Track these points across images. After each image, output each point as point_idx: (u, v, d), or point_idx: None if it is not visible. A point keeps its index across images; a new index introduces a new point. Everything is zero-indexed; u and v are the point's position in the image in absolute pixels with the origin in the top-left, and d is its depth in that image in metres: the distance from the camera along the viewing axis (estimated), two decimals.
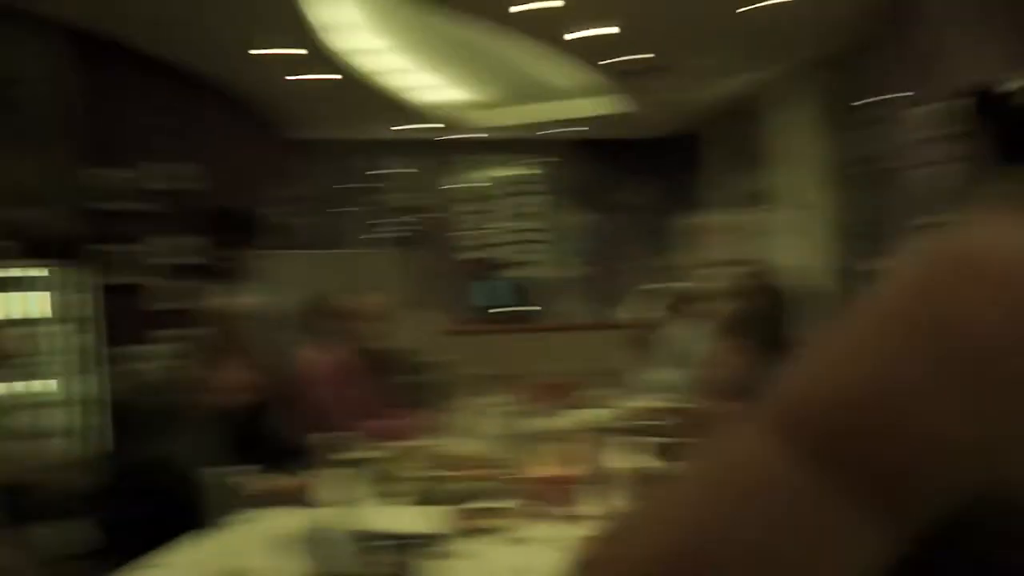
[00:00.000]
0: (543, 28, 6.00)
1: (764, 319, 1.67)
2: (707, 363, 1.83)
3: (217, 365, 2.28)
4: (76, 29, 5.58)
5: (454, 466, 2.40)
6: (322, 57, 6.45)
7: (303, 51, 6.33)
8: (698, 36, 6.25)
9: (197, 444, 2.16)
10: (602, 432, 2.73)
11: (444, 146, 9.90)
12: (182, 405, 2.24)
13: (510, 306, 8.97)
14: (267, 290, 5.51)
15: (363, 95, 7.60)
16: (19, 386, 4.21)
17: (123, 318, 5.80)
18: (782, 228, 6.90)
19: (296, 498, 2.08)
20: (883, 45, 6.06)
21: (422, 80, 7.92)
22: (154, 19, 5.68)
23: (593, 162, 10.12)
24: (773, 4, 5.68)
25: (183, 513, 2.02)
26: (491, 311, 8.46)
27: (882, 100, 6.34)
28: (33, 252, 4.29)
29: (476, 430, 2.78)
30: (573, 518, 1.69)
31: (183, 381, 2.34)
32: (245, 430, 2.38)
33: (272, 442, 2.53)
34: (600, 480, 1.86)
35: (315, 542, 1.34)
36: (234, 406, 2.36)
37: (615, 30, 6.00)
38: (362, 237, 9.85)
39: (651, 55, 6.65)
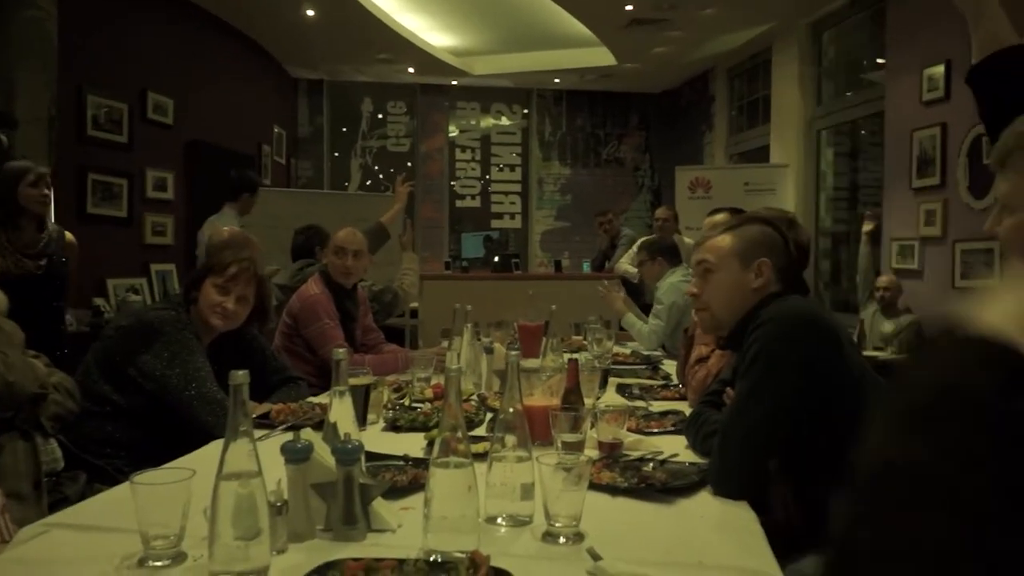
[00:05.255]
0: None
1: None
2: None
3: (223, 286, 2.30)
4: None
5: (439, 398, 2.46)
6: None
7: None
8: None
9: (191, 365, 2.19)
10: (585, 368, 2.78)
11: (439, 91, 9.80)
12: (179, 323, 2.26)
13: (496, 254, 9.01)
14: (264, 228, 5.53)
15: (363, 37, 7.50)
16: None
17: (107, 251, 5.79)
18: (776, 183, 6.90)
19: (297, 421, 2.12)
20: (881, 11, 6.03)
21: (420, 24, 7.82)
22: None
23: (584, 113, 10.06)
24: None
25: (173, 436, 2.06)
26: (476, 261, 8.50)
27: (878, 65, 6.33)
28: None
29: (462, 365, 2.82)
30: (552, 445, 1.74)
31: (181, 299, 2.35)
32: (241, 354, 2.41)
33: (270, 368, 2.57)
34: (580, 407, 1.90)
35: (324, 444, 1.38)
36: (233, 331, 2.38)
37: None
38: (359, 181, 9.82)
39: (650, 8, 6.57)
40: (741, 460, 1.49)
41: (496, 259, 6.96)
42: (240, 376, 1.14)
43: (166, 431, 2.12)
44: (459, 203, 10.10)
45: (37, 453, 1.86)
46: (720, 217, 3.18)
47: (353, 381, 2.12)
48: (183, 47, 6.61)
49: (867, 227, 5.83)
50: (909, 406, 0.57)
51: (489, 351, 2.78)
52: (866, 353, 5.09)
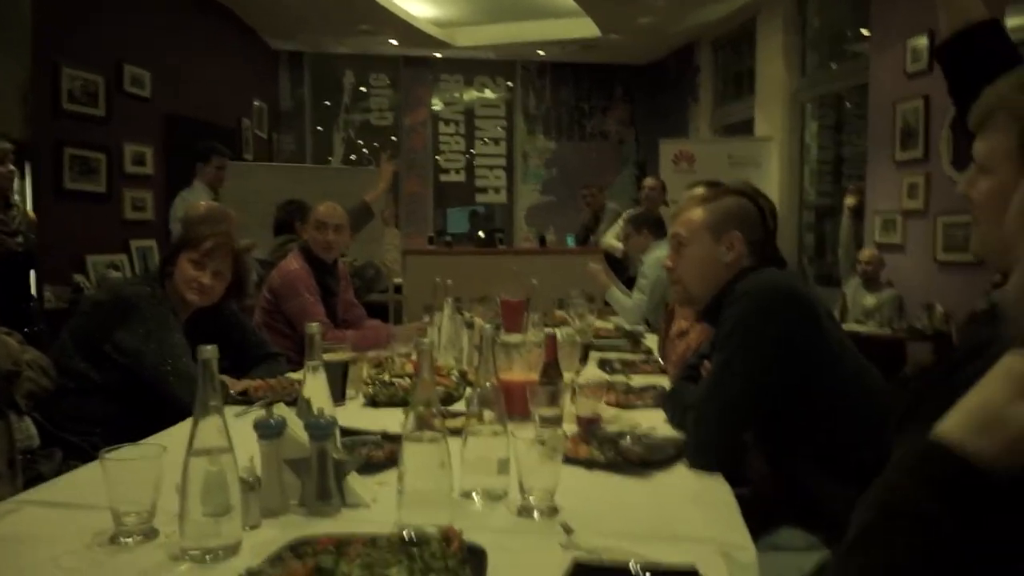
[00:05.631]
0: None
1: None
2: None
3: (198, 260, 2.27)
4: None
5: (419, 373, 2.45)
6: None
7: None
8: None
9: (167, 340, 2.17)
10: (565, 343, 2.78)
11: (422, 64, 9.70)
12: (155, 298, 2.23)
13: (481, 229, 9.00)
14: (245, 203, 5.48)
15: (343, 6, 7.39)
16: None
17: (86, 227, 5.73)
18: (760, 156, 6.90)
19: (275, 397, 2.11)
20: None
21: None
22: None
23: (569, 86, 9.99)
24: None
25: (149, 411, 2.04)
26: (462, 236, 8.48)
27: (863, 36, 6.31)
28: None
29: (443, 340, 2.81)
30: (531, 420, 1.73)
31: (156, 273, 2.32)
32: (219, 329, 2.39)
33: (249, 343, 2.55)
34: (558, 381, 1.90)
35: (297, 420, 1.37)
36: (211, 306, 2.36)
37: None
38: (341, 155, 9.75)
39: None
40: (717, 433, 1.50)
41: (480, 234, 6.93)
42: (209, 351, 1.13)
43: (142, 407, 2.10)
44: (443, 177, 10.04)
45: (11, 431, 1.84)
46: (698, 190, 3.17)
47: (330, 357, 2.11)
48: (160, 18, 6.49)
49: (850, 201, 5.85)
50: (857, 528, 0.66)
51: (470, 326, 2.77)
52: (847, 327, 5.13)
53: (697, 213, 1.74)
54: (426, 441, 1.21)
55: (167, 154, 6.48)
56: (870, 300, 5.28)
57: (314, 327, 1.57)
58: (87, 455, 1.94)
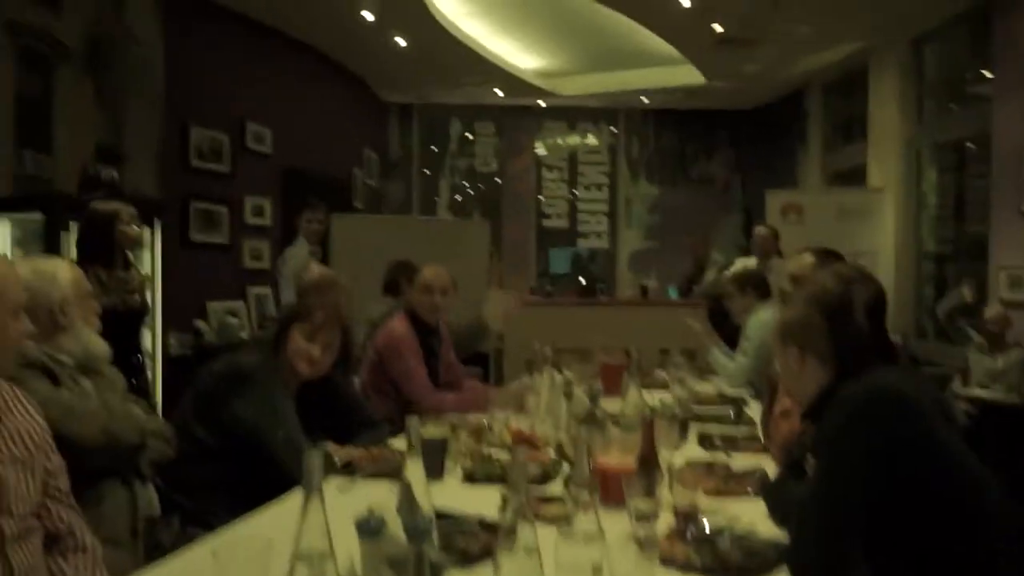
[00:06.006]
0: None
1: (827, 330, 1.62)
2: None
3: (309, 333, 2.37)
4: None
5: (518, 446, 2.47)
6: (416, 23, 6.49)
7: (399, 16, 6.39)
8: (792, 3, 6.01)
9: (280, 410, 2.26)
10: (663, 417, 2.74)
11: (528, 112, 9.88)
12: (269, 369, 2.34)
13: (583, 275, 9.03)
14: (354, 255, 5.70)
15: (452, 62, 7.64)
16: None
17: (208, 276, 6.08)
18: (873, 207, 6.65)
19: (378, 469, 2.16)
20: (986, 23, 5.74)
21: (508, 47, 7.91)
22: None
23: (673, 131, 9.94)
24: None
25: (265, 477, 2.13)
26: (564, 277, 8.53)
27: (984, 78, 6.03)
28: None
29: (541, 409, 2.83)
30: (626, 509, 1.71)
31: (270, 344, 2.43)
32: (325, 398, 2.48)
33: (353, 412, 2.63)
34: (655, 472, 1.88)
35: (396, 516, 1.40)
36: (319, 374, 2.44)
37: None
38: (448, 200, 9.99)
39: (738, 27, 6.44)
40: (817, 546, 1.44)
41: (582, 281, 6.93)
42: (315, 456, 1.18)
43: (256, 474, 2.20)
44: (546, 222, 10.13)
45: (136, 500, 1.96)
46: (807, 260, 3.09)
47: (430, 433, 2.16)
48: (279, 78, 6.88)
49: (966, 296, 5.45)
50: None
51: (569, 395, 2.77)
52: (971, 392, 4.84)
53: (778, 318, 1.74)
54: (521, 554, 1.22)
55: (284, 205, 6.83)
56: (995, 362, 4.97)
57: (414, 421, 1.61)
58: (204, 522, 2.04)
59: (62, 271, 2.04)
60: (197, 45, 5.95)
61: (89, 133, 5.16)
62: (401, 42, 7.10)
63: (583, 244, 10.01)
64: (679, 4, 5.93)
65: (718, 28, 6.45)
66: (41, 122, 4.89)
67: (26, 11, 4.76)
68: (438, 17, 6.58)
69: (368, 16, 6.42)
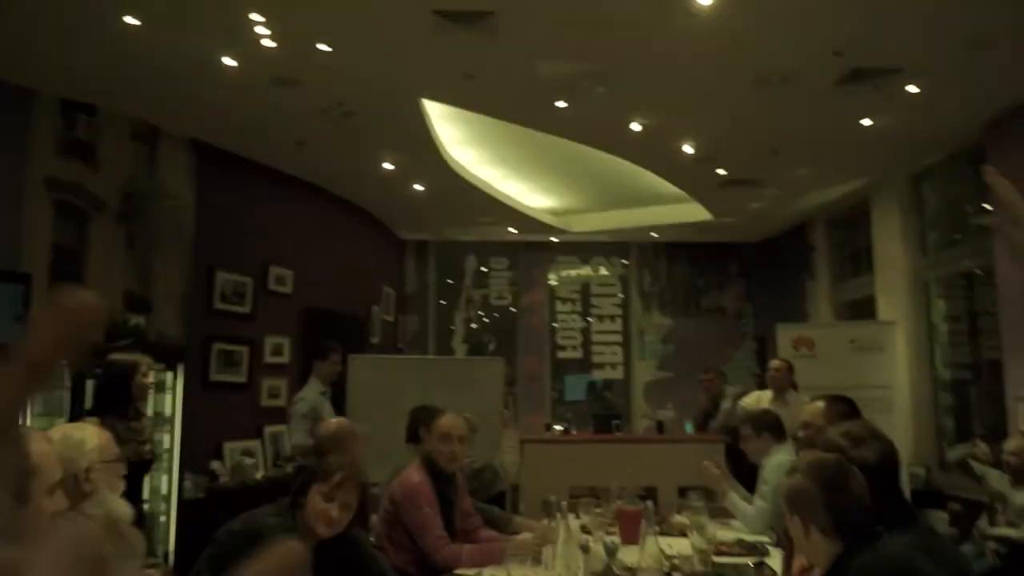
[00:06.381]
0: (645, 148, 6.21)
1: (831, 501, 1.65)
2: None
3: (328, 493, 2.39)
4: (213, 147, 6.13)
5: None
6: (434, 171, 6.83)
7: (418, 166, 6.74)
8: (792, 150, 6.29)
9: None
10: (684, 574, 2.71)
11: (540, 247, 10.14)
12: (286, 529, 2.35)
13: (598, 403, 9.03)
14: (370, 394, 5.75)
15: (467, 204, 7.96)
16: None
17: (226, 416, 6.13)
18: (884, 340, 6.69)
19: None
20: (985, 156, 5.96)
21: (520, 189, 8.25)
22: (279, 140, 6.16)
23: (683, 263, 10.15)
24: (867, 125, 5.70)
25: None
26: (579, 404, 8.55)
27: (985, 210, 6.19)
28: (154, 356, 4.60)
29: (557, 563, 2.80)
30: None
31: (288, 503, 2.45)
32: (341, 554, 2.48)
33: (369, 569, 2.61)
34: None
35: None
36: (336, 532, 2.45)
37: (697, 148, 6.15)
38: (463, 333, 10.12)
39: (741, 170, 6.73)
40: None
41: (596, 417, 6.92)
42: None
43: None
44: (560, 354, 10.20)
45: None
46: (818, 406, 3.13)
47: None
48: (302, 221, 7.17)
49: (980, 452, 5.41)
50: None
51: (586, 549, 2.75)
52: (999, 532, 4.72)
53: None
54: None
55: (303, 344, 6.95)
56: (1021, 498, 4.85)
57: None
58: None
59: (91, 438, 2.12)
60: (226, 195, 6.25)
61: (119, 280, 5.37)
62: (419, 187, 7.42)
63: (598, 375, 10.04)
64: (684, 153, 6.22)
65: (722, 172, 6.72)
66: (74, 270, 5.10)
67: (64, 167, 5.07)
68: (454, 166, 6.91)
69: (388, 166, 6.76)
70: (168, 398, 5.19)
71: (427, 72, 4.95)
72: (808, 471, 1.70)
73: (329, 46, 4.49)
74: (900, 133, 5.89)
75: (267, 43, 4.44)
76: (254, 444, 6.38)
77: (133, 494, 3.64)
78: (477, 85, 5.02)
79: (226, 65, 4.73)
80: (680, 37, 4.40)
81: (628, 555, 3.05)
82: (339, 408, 5.39)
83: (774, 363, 5.98)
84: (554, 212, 9.03)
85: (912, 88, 5.07)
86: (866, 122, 5.66)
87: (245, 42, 4.44)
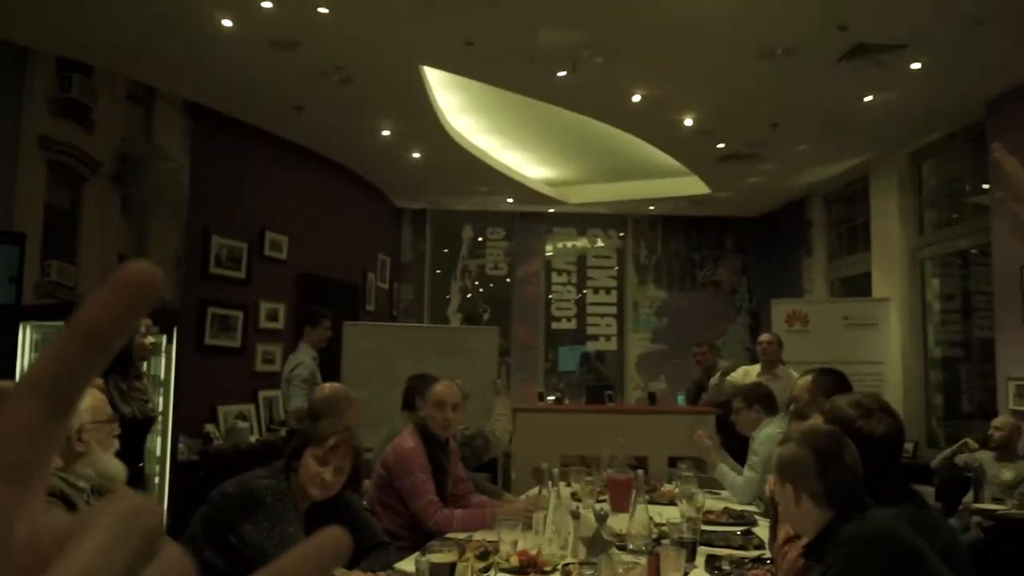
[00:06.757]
0: (645, 120, 6.17)
1: (825, 468, 1.66)
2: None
3: (322, 456, 2.40)
4: (210, 110, 6.08)
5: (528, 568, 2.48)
6: (431, 139, 6.78)
7: (415, 133, 6.69)
8: (792, 124, 6.26)
9: (290, 536, 2.28)
10: (671, 541, 2.74)
11: (537, 218, 10.12)
12: (280, 492, 2.37)
13: (591, 374, 9.07)
14: (364, 362, 5.77)
15: (464, 173, 7.92)
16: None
17: (220, 380, 6.15)
18: (878, 317, 6.72)
19: None
20: (983, 137, 5.95)
21: (518, 159, 8.20)
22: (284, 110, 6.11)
23: (680, 237, 10.14)
24: (869, 101, 5.67)
25: None
26: (572, 375, 8.58)
27: (983, 189, 6.20)
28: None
29: (547, 528, 2.83)
30: None
31: (282, 466, 2.47)
32: (335, 517, 2.50)
33: (362, 532, 2.64)
34: None
35: None
36: (330, 496, 2.47)
37: (697, 120, 6.12)
38: (458, 302, 10.13)
39: (740, 144, 6.70)
40: None
41: (589, 388, 6.96)
42: None
43: None
44: (555, 324, 10.22)
45: None
46: (808, 379, 3.16)
47: (436, 558, 2.18)
48: (298, 187, 7.13)
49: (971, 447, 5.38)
50: None
51: (576, 516, 2.78)
52: (984, 506, 4.78)
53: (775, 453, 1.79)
54: None
55: (298, 309, 6.95)
56: (1007, 473, 4.92)
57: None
58: None
59: (84, 398, 2.12)
60: (221, 158, 6.21)
61: (113, 243, 5.35)
62: (417, 155, 7.38)
63: (591, 346, 10.07)
64: (682, 125, 6.19)
65: (720, 146, 6.70)
66: (68, 232, 5.08)
67: (59, 127, 5.03)
68: (452, 135, 6.87)
69: (386, 133, 6.71)
70: (162, 361, 5.20)
71: (427, 37, 4.90)
72: (802, 439, 1.72)
73: (328, 8, 4.44)
74: (901, 110, 5.88)
75: (266, 4, 4.39)
76: (248, 408, 6.41)
77: (137, 452, 3.68)
78: (477, 52, 4.97)
79: (224, 26, 4.67)
80: (684, 5, 4.36)
81: (617, 522, 3.09)
82: (328, 375, 5.40)
83: (764, 337, 6.00)
84: (551, 183, 8.99)
85: (915, 65, 5.05)
86: (868, 98, 5.63)
87: (243, 2, 4.38)
